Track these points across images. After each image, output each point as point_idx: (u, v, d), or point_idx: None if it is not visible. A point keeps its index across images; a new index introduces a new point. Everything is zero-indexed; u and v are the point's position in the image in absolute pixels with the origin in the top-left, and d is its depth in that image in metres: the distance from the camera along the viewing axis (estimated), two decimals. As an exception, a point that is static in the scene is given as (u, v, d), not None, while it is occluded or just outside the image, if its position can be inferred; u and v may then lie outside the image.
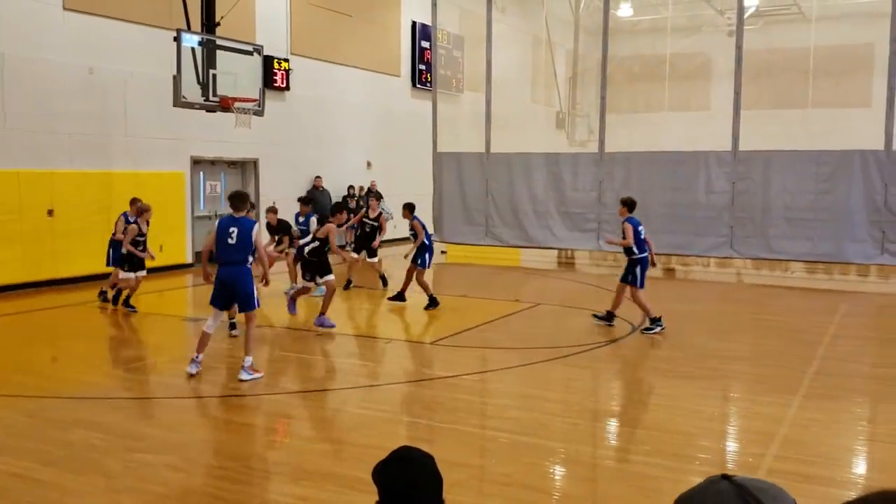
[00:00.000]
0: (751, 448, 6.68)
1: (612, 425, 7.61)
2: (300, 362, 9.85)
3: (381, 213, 15.45)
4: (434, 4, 21.02)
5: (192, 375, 8.33)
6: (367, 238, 15.20)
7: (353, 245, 15.75)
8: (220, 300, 8.57)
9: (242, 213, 8.56)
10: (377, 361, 9.72)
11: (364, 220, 15.42)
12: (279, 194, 19.98)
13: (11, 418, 7.25)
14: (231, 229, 8.32)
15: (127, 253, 12.16)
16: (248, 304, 8.50)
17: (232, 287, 8.44)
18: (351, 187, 22.03)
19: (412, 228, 13.09)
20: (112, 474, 5.85)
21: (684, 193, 17.82)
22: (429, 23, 22.27)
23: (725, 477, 1.38)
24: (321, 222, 12.57)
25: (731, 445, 6.97)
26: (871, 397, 8.41)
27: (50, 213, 14.53)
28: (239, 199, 8.54)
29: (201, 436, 6.89)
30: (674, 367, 9.24)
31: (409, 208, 13.11)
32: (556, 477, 6.20)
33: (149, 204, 12.52)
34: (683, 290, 16.07)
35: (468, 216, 20.41)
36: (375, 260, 15.10)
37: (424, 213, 21.43)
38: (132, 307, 12.31)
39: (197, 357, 8.39)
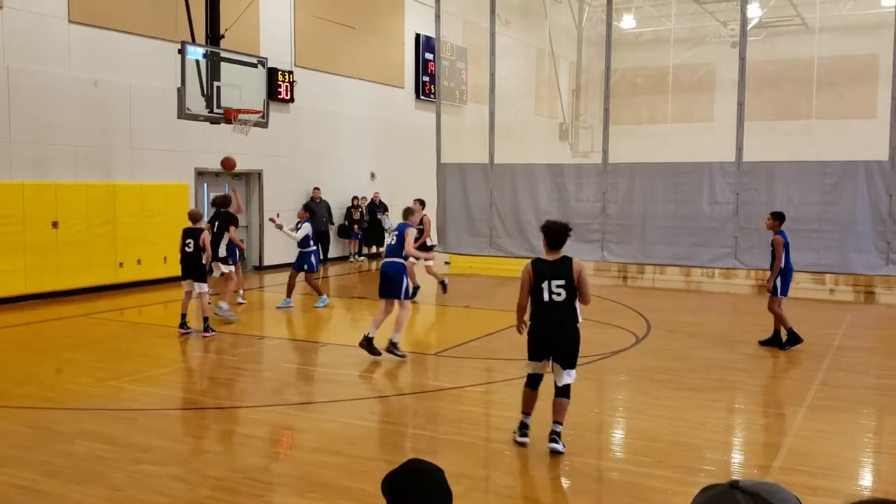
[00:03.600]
0: (756, 460, 6.65)
1: (617, 437, 7.59)
2: (304, 374, 9.84)
3: None
4: (438, 16, 21.10)
5: None
6: None
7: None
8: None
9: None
10: (381, 373, 9.71)
11: None
12: (283, 205, 20.02)
13: (15, 430, 7.25)
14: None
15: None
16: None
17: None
18: (355, 198, 22.05)
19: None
20: (116, 485, 5.85)
21: (688, 205, 17.82)
22: (432, 35, 22.33)
23: (734, 485, 1.39)
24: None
25: (737, 457, 6.94)
26: (876, 408, 8.37)
27: (54, 224, 14.56)
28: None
29: (205, 447, 6.88)
30: (678, 379, 9.22)
31: None
32: (560, 489, 6.18)
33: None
34: (687, 301, 16.04)
35: (472, 227, 20.42)
36: None
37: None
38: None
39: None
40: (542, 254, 6.69)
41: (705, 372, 9.62)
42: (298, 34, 20.28)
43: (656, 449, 6.74)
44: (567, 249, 6.67)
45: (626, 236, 18.62)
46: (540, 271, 6.52)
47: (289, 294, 14.09)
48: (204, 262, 11.40)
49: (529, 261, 6.70)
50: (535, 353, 6.72)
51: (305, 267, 13.89)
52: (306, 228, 13.86)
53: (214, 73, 14.45)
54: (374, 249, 22.98)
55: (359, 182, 22.58)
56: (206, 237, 11.41)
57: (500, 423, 7.75)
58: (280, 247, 20.02)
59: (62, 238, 14.68)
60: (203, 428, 7.56)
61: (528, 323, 6.71)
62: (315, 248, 14.09)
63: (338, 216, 21.83)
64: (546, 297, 6.48)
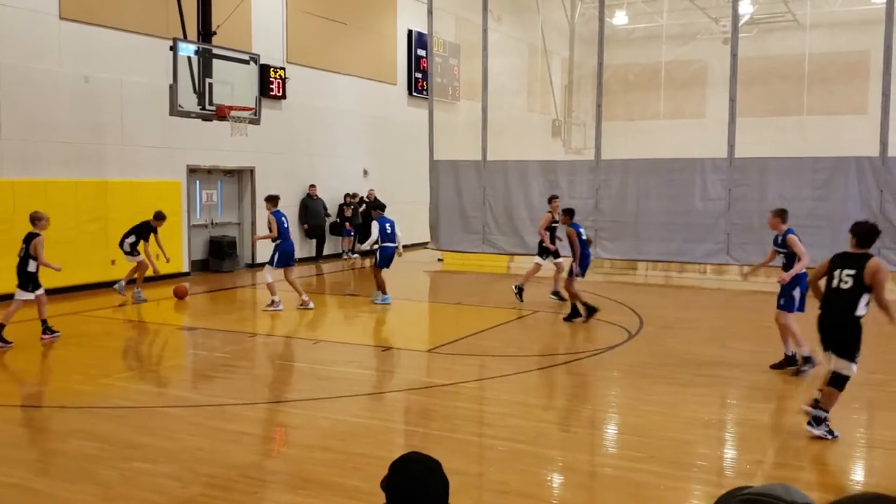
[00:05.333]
0: (748, 455, 6.67)
1: (610, 433, 7.60)
2: (297, 371, 9.82)
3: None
4: (430, 13, 21.08)
5: None
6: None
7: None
8: None
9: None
10: (374, 369, 9.70)
11: None
12: (275, 203, 19.96)
13: (5, 428, 7.22)
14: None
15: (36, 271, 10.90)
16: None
17: None
18: (347, 195, 22.01)
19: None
20: (107, 484, 5.83)
21: (680, 200, 17.86)
22: (425, 31, 22.31)
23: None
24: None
25: (729, 452, 6.95)
26: (867, 404, 8.40)
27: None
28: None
29: (198, 444, 6.86)
30: (670, 374, 9.23)
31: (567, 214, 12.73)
32: (554, 485, 6.18)
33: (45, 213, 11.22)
34: (680, 297, 16.06)
35: (465, 224, 20.42)
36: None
37: (421, 222, 21.51)
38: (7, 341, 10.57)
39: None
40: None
41: (697, 367, 9.64)
42: (290, 31, 20.23)
43: (649, 444, 6.76)
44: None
45: (619, 233, 18.65)
46: (836, 260, 6.97)
47: (384, 291, 14.18)
48: (32, 269, 10.67)
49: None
50: (821, 341, 7.00)
51: (375, 262, 14.19)
52: (375, 227, 14.00)
53: (206, 70, 14.41)
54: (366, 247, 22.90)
55: (351, 179, 22.53)
56: (38, 242, 10.65)
57: (493, 420, 7.76)
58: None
59: (53, 235, 14.54)
60: (195, 425, 7.54)
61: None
62: (392, 244, 14.07)
63: (331, 213, 21.77)
64: (834, 283, 6.86)
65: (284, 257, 13.49)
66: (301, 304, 13.43)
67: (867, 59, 21.91)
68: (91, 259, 15.20)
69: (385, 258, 14.10)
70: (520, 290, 14.16)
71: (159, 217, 14.30)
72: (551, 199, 14.50)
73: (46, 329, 10.94)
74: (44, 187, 14.50)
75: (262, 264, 19.43)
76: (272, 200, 13.69)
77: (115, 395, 8.43)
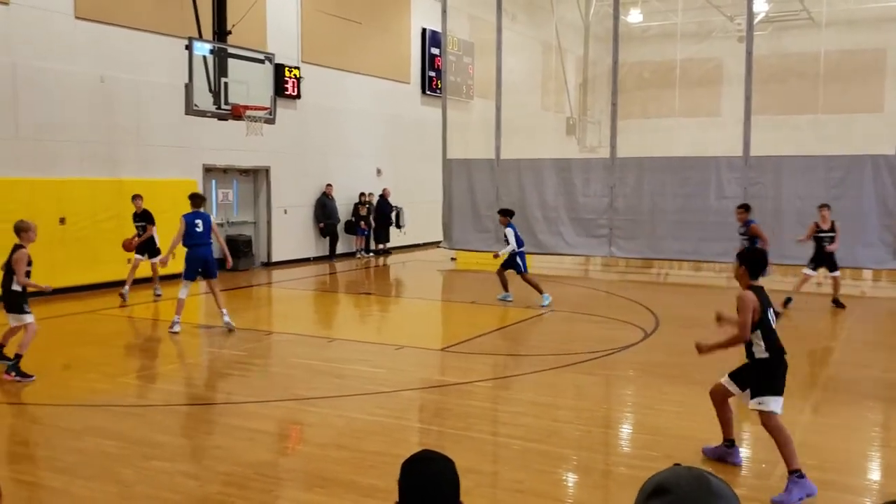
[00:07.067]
0: (764, 454, 6.64)
1: (624, 432, 7.59)
2: (312, 369, 9.86)
3: (833, 223, 13.78)
4: (444, 11, 21.08)
5: None
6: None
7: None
8: None
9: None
10: (388, 368, 9.73)
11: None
12: (290, 202, 20.05)
13: (23, 426, 7.28)
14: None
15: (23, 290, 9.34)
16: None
17: None
18: (362, 194, 22.05)
19: None
20: (125, 482, 5.87)
21: (695, 199, 17.80)
22: (439, 30, 22.32)
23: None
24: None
25: (745, 452, 6.93)
26: (883, 402, 8.36)
27: (62, 220, 14.60)
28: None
29: (214, 443, 6.90)
30: (685, 374, 9.20)
31: None
32: (569, 484, 6.19)
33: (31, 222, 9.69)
34: (695, 296, 16.01)
35: (478, 223, 20.41)
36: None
37: (434, 220, 21.53)
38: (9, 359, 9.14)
39: None
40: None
41: (713, 366, 9.59)
42: (305, 30, 20.28)
43: (664, 444, 6.75)
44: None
45: (634, 231, 18.60)
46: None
47: (506, 288, 14.27)
48: (14, 286, 9.24)
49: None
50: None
51: (514, 269, 14.01)
52: (511, 233, 13.94)
53: (222, 70, 14.46)
54: (381, 246, 22.89)
55: (365, 178, 22.57)
56: (19, 258, 9.22)
57: (507, 419, 7.76)
58: (289, 243, 20.05)
59: (69, 234, 14.72)
60: (212, 423, 7.59)
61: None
62: (521, 249, 14.03)
63: (345, 212, 21.80)
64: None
65: (191, 270, 11.70)
66: (172, 326, 11.46)
67: (883, 57, 21.78)
68: (107, 258, 15.29)
69: (525, 261, 14.12)
70: (787, 300, 13.55)
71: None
72: (821, 207, 13.90)
73: (17, 366, 8.91)
74: (60, 186, 14.60)
75: (280, 263, 19.60)
76: (193, 200, 11.84)
77: (132, 394, 8.50)
